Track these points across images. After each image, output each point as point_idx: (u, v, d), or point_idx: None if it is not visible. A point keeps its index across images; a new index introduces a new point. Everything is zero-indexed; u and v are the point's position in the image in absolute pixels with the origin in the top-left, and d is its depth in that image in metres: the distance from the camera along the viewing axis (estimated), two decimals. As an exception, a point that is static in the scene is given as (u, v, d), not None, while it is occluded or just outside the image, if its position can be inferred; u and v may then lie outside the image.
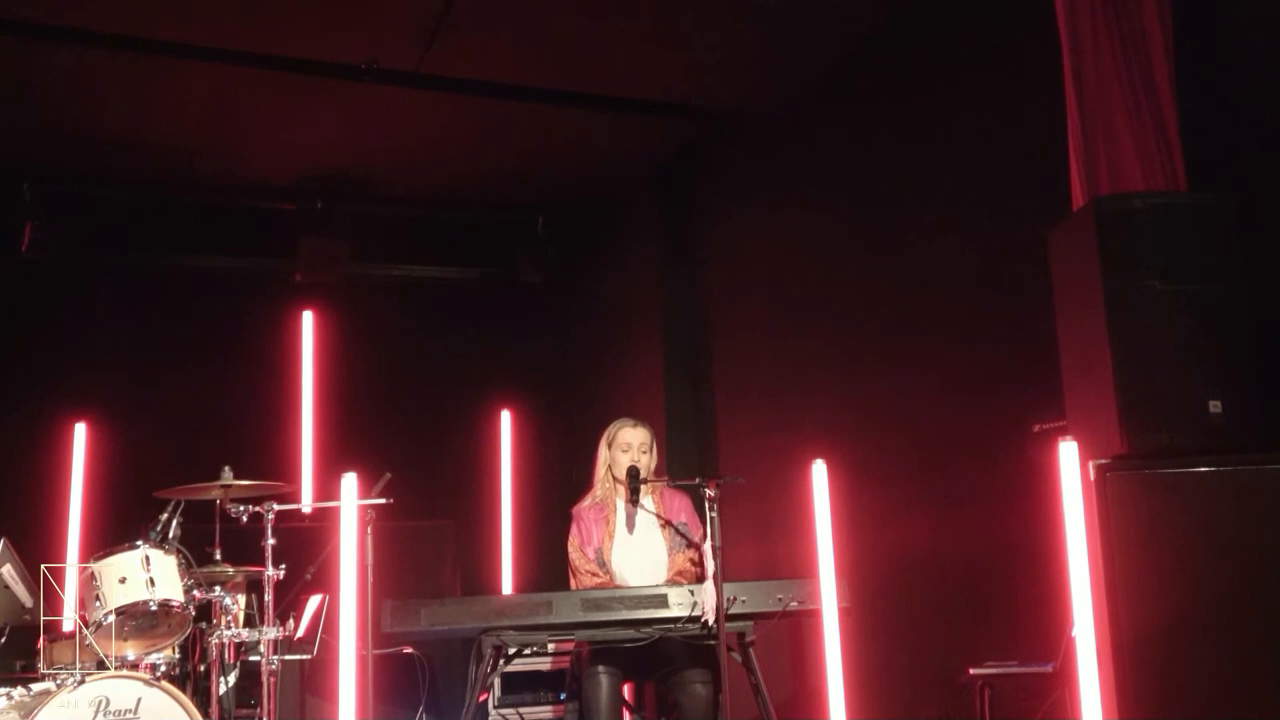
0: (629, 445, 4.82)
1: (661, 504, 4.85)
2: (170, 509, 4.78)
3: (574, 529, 4.85)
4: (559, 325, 8.78)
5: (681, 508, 4.84)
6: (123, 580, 4.53)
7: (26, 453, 7.00)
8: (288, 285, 7.81)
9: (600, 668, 4.49)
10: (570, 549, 4.84)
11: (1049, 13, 4.30)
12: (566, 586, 4.85)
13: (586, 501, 4.91)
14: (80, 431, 7.08)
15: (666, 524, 4.79)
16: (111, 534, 5.61)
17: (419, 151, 7.42)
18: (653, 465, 4.87)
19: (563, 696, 5.73)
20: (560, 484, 7.79)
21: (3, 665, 5.02)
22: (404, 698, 6.10)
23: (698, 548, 4.72)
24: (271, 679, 4.74)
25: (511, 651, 4.51)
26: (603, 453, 4.90)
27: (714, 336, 7.30)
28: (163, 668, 4.67)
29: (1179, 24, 4.15)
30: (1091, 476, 3.66)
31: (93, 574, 4.56)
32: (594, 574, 4.74)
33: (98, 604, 4.50)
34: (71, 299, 7.51)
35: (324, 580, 5.14)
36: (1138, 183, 4.02)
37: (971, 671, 4.44)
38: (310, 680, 5.81)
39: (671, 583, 4.65)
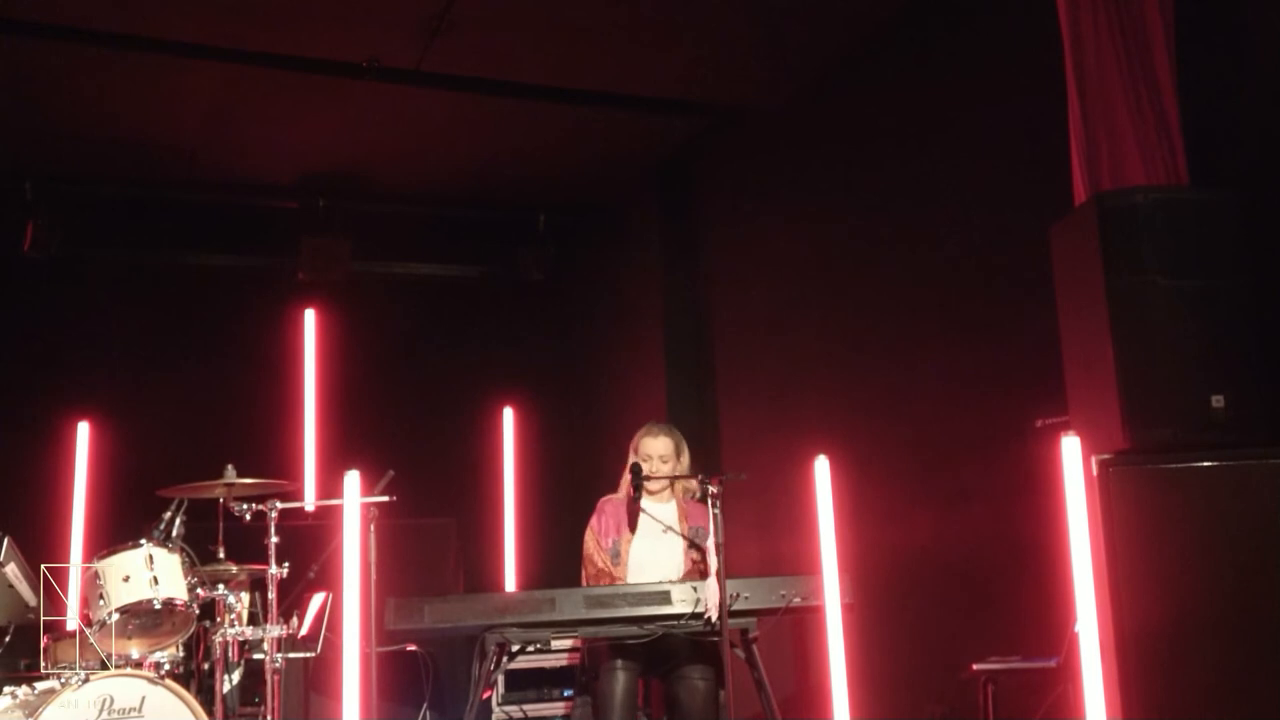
0: (649, 456, 4.84)
1: (683, 510, 4.86)
2: (173, 507, 4.79)
3: (595, 518, 4.87)
4: (561, 323, 8.78)
5: (703, 514, 4.78)
6: (126, 579, 4.53)
7: (29, 452, 7.00)
8: (290, 283, 7.82)
9: (619, 663, 4.49)
10: (587, 536, 4.86)
11: (1050, 8, 4.30)
12: (569, 583, 4.85)
13: (618, 494, 4.91)
14: (83, 430, 7.07)
15: (670, 530, 4.78)
16: (115, 532, 5.61)
17: (420, 149, 7.42)
18: (683, 468, 4.88)
19: (568, 693, 5.74)
20: (563, 481, 7.81)
21: (7, 664, 5.02)
22: (408, 695, 6.11)
23: (699, 547, 4.72)
24: (275, 677, 4.74)
25: (515, 649, 4.52)
26: (631, 459, 4.90)
27: (715, 333, 7.30)
28: (167, 666, 4.69)
29: (1180, 17, 4.15)
30: (1094, 471, 3.67)
31: (96, 573, 4.56)
32: (605, 566, 4.75)
33: (101, 602, 4.50)
34: (74, 298, 7.52)
35: (327, 578, 5.13)
36: (1139, 178, 4.02)
37: (975, 667, 4.44)
38: (314, 678, 5.81)
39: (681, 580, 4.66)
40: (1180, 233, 3.74)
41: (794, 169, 6.63)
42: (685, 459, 4.92)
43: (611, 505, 4.88)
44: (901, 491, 5.62)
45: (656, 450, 4.85)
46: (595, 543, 4.82)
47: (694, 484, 4.86)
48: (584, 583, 4.85)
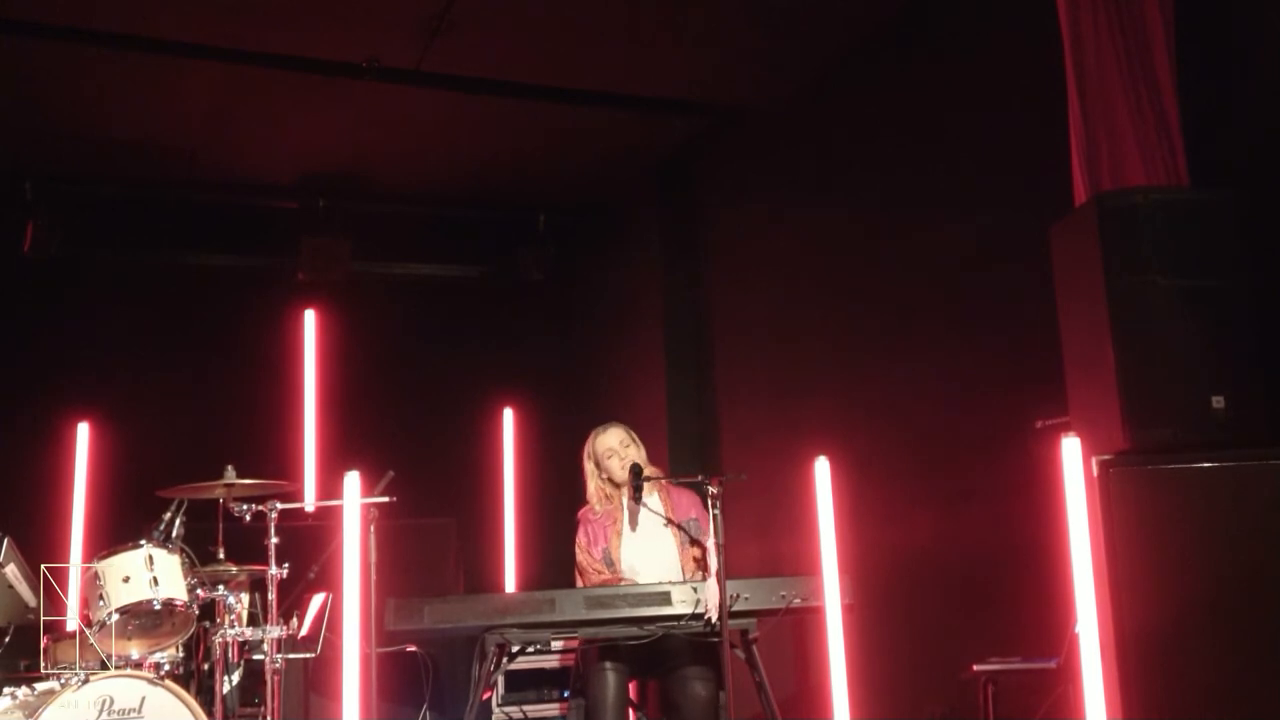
0: (612, 450, 4.80)
1: (669, 502, 4.84)
2: (173, 508, 4.78)
3: (580, 531, 4.85)
4: (561, 323, 8.79)
5: (691, 504, 4.81)
6: (126, 579, 4.53)
7: (29, 452, 7.00)
8: (290, 284, 7.82)
9: (608, 664, 4.48)
10: (577, 551, 4.84)
11: (1050, 8, 4.30)
12: (570, 584, 4.85)
13: (594, 505, 4.90)
14: (83, 431, 7.07)
15: (670, 523, 4.77)
16: (115, 533, 5.61)
17: (420, 149, 7.42)
18: (643, 457, 4.86)
19: (566, 694, 5.73)
20: (562, 481, 7.77)
21: (7, 665, 5.02)
22: (407, 696, 6.11)
23: (701, 544, 4.72)
24: (275, 678, 4.74)
25: (515, 649, 4.51)
26: (589, 468, 4.88)
27: (716, 333, 7.30)
28: (167, 667, 4.68)
29: (1180, 17, 4.15)
30: (1094, 472, 3.67)
31: (96, 573, 4.56)
32: (601, 573, 4.75)
33: (101, 603, 4.50)
34: (74, 298, 7.52)
35: (327, 579, 5.14)
36: (1139, 178, 4.02)
37: (975, 668, 4.44)
38: (314, 679, 5.81)
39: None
40: (1180, 233, 3.74)
41: (794, 169, 6.63)
42: (642, 446, 4.89)
43: (593, 514, 4.87)
44: (901, 491, 5.62)
45: (616, 441, 4.82)
46: (586, 556, 4.80)
47: (656, 469, 4.86)
48: None
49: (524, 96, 6.62)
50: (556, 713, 5.87)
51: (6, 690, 4.50)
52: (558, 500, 7.47)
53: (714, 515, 4.30)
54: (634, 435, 4.89)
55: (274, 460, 6.97)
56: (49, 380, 7.24)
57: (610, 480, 4.83)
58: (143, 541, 4.64)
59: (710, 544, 4.37)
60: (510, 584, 7.64)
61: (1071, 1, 4.22)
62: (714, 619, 4.29)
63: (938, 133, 5.54)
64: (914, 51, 5.76)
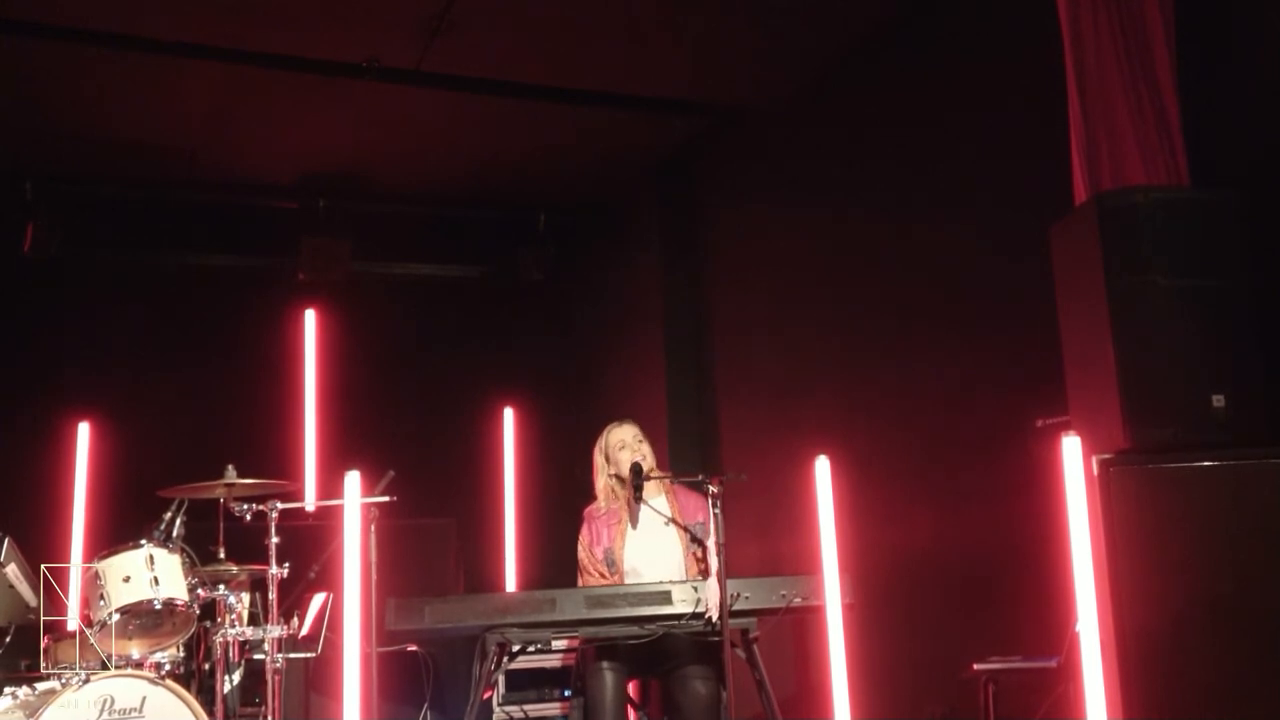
0: (624, 443, 4.81)
1: (676, 503, 4.84)
2: (174, 508, 4.78)
3: (584, 529, 4.86)
4: (561, 322, 8.79)
5: (699, 507, 4.78)
6: (127, 579, 4.53)
7: (30, 452, 7.01)
8: (290, 284, 7.82)
9: (605, 664, 4.49)
10: (580, 549, 4.85)
11: (1049, 8, 4.30)
12: (570, 583, 4.85)
13: (600, 503, 4.90)
14: (83, 431, 7.08)
15: (672, 523, 4.77)
16: (115, 533, 5.61)
17: (421, 149, 7.42)
18: (652, 458, 4.86)
19: (567, 694, 5.74)
20: (563, 481, 7.80)
21: (7, 665, 5.01)
22: (408, 695, 6.11)
23: (701, 544, 4.71)
24: (276, 677, 4.74)
25: (515, 649, 4.52)
26: (599, 462, 4.88)
27: (716, 332, 7.30)
28: (167, 666, 4.68)
29: (1180, 17, 4.15)
30: (1095, 471, 3.67)
31: (97, 573, 4.55)
32: (602, 575, 4.75)
33: (102, 603, 4.50)
34: (74, 299, 7.53)
35: (328, 578, 5.14)
36: (1139, 178, 4.03)
37: (975, 667, 4.44)
38: (315, 678, 5.82)
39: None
40: (1180, 233, 3.74)
41: (794, 169, 6.63)
42: (650, 449, 4.90)
43: (598, 512, 4.87)
44: (902, 491, 5.62)
45: (630, 436, 4.83)
46: (588, 554, 4.80)
47: (661, 470, 4.87)
48: None
49: (524, 96, 6.62)
50: (557, 712, 5.86)
51: (7, 690, 4.50)
52: (558, 500, 7.49)
53: (714, 515, 4.30)
54: (644, 437, 4.89)
55: (274, 460, 6.97)
56: (49, 380, 7.24)
57: (618, 476, 4.83)
58: (143, 541, 4.63)
59: (710, 543, 4.37)
60: (510, 584, 7.64)
61: (1071, 1, 4.22)
62: (714, 618, 4.30)
63: (938, 133, 5.54)
64: (914, 51, 5.76)
